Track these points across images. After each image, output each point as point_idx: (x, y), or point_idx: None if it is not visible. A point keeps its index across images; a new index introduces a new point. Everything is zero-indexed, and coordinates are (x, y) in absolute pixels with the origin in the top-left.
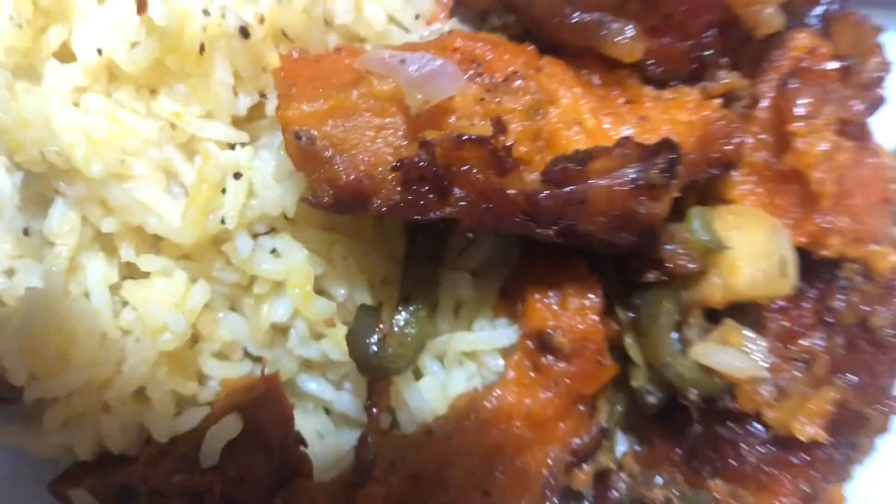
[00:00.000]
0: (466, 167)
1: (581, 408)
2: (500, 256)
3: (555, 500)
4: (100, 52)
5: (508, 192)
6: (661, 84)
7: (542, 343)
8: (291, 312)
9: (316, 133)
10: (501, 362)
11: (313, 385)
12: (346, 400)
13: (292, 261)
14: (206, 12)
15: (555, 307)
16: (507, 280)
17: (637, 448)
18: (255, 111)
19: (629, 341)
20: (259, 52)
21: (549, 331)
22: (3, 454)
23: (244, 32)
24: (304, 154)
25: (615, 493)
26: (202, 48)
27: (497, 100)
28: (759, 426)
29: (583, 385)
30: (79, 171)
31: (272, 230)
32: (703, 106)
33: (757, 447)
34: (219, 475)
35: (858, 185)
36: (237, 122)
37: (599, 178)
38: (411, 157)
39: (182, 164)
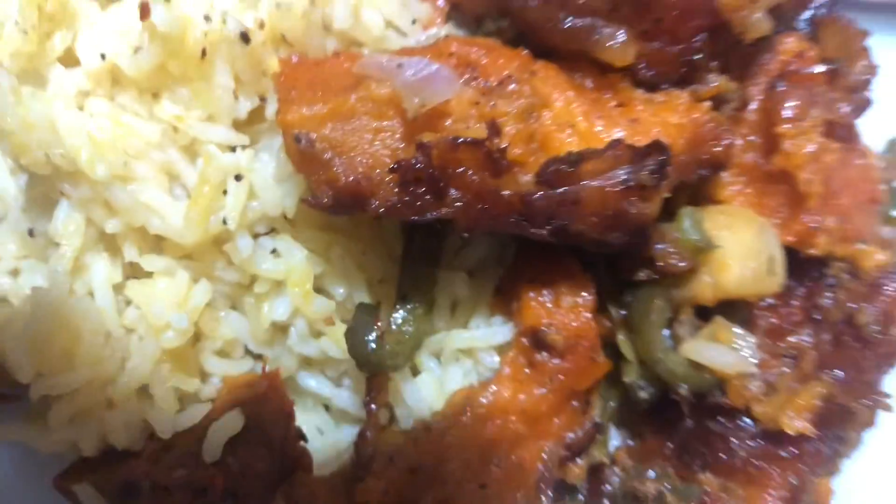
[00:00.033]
0: (462, 169)
1: (575, 403)
2: (496, 256)
3: (549, 493)
4: (103, 56)
5: (503, 193)
6: (652, 87)
7: (537, 340)
8: (291, 311)
9: (315, 136)
10: (497, 359)
11: (313, 382)
12: (345, 396)
13: (292, 260)
14: (207, 18)
15: (549, 305)
16: (502, 279)
17: (630, 442)
18: (256, 114)
19: (621, 338)
20: (259, 57)
21: (543, 328)
22: (9, 450)
23: (244, 38)
24: (304, 156)
25: (608, 487)
26: (204, 53)
27: (492, 103)
28: (748, 421)
29: (576, 381)
30: (83, 174)
31: (272, 231)
32: (692, 108)
33: (746, 441)
34: (221, 470)
35: (845, 186)
36: (238, 125)
37: (591, 180)
38: (408, 160)
39: (184, 167)
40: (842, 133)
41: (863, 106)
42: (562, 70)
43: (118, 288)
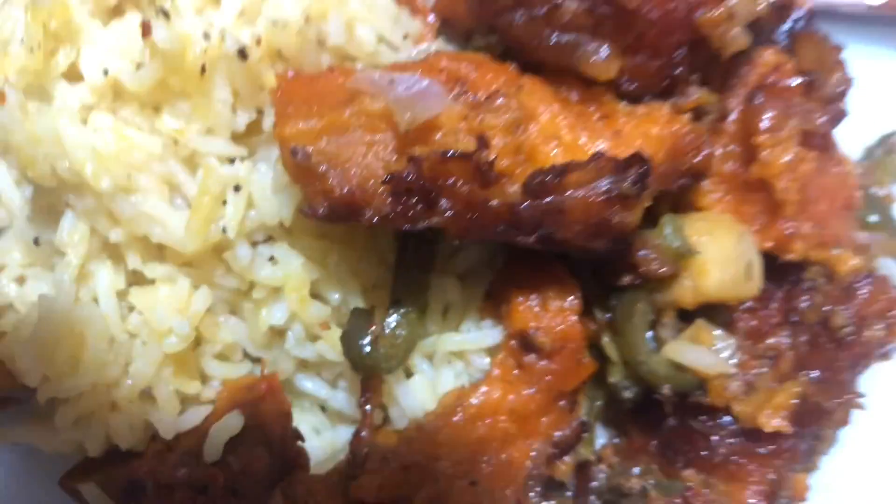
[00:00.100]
0: (452, 180)
1: (562, 403)
2: (486, 262)
3: (538, 489)
4: (106, 72)
5: (491, 203)
6: (635, 99)
7: (525, 343)
8: (289, 316)
9: (311, 149)
10: (487, 361)
11: (310, 384)
12: (340, 398)
13: (289, 267)
14: (206, 36)
15: (536, 309)
16: (492, 284)
17: (615, 440)
18: (253, 127)
19: (606, 340)
20: (256, 72)
21: (531, 331)
22: (17, 451)
23: (242, 54)
24: (300, 169)
25: (595, 483)
26: (203, 69)
27: (480, 117)
28: (728, 419)
29: (563, 382)
30: (88, 185)
31: (270, 239)
32: (673, 120)
33: (727, 439)
34: (222, 469)
35: (822, 193)
36: (236, 138)
37: (576, 190)
38: (401, 172)
39: (185, 178)
40: (818, 142)
41: (839, 116)
42: (548, 84)
43: (122, 295)
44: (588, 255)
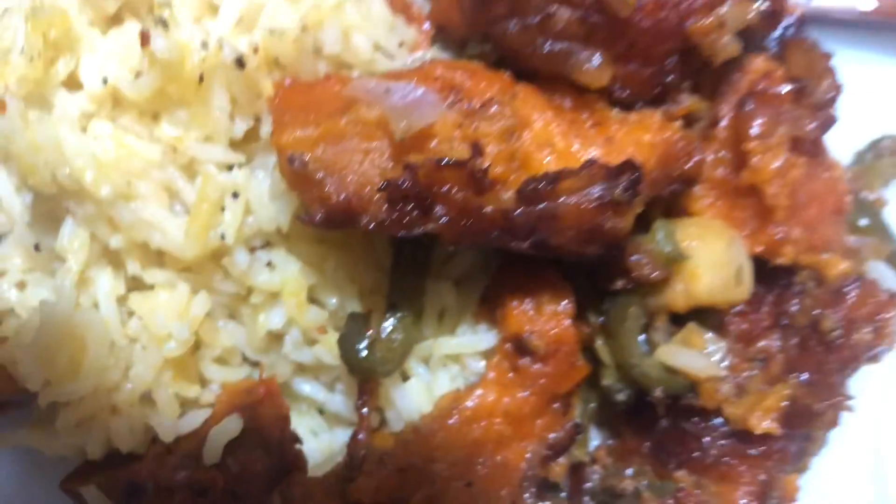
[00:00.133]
0: (447, 187)
1: (556, 405)
2: (480, 267)
3: (533, 490)
4: (105, 80)
5: (486, 209)
6: (627, 106)
7: (520, 346)
8: (286, 320)
9: (308, 157)
10: (482, 364)
11: (307, 387)
12: (338, 401)
13: (287, 273)
14: (204, 45)
15: (531, 313)
16: (486, 288)
17: (609, 442)
18: (251, 134)
19: (600, 343)
20: (254, 80)
21: (525, 335)
22: (18, 454)
23: (240, 63)
24: (297, 176)
25: (589, 484)
26: (201, 78)
27: (475, 125)
28: (719, 421)
29: (557, 384)
30: (88, 193)
31: (268, 244)
32: (665, 127)
33: (718, 440)
34: (221, 471)
35: (812, 198)
36: (234, 145)
37: (568, 197)
38: (396, 179)
39: (183, 185)
40: (808, 148)
41: (828, 122)
42: (541, 91)
43: (122, 300)
44: (581, 260)
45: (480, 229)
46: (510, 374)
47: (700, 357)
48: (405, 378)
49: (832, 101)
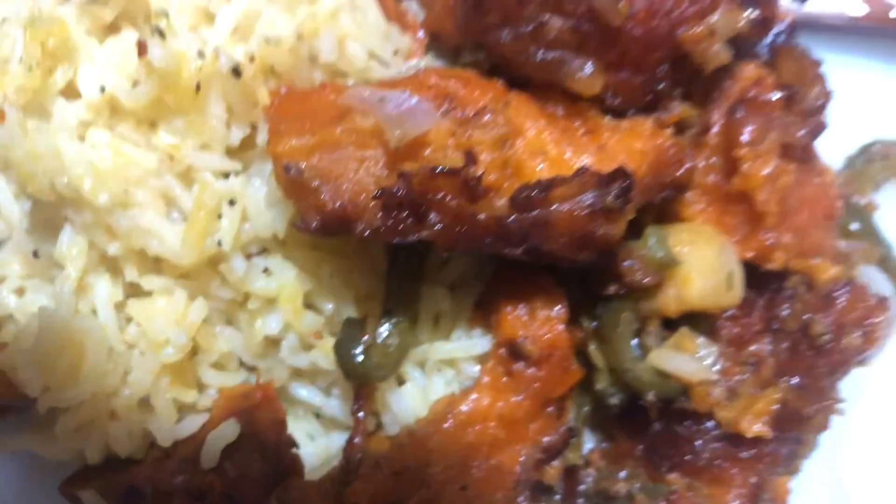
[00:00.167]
0: (441, 195)
1: (550, 409)
2: (475, 273)
3: (527, 493)
4: (103, 89)
5: (479, 216)
6: (619, 114)
7: (514, 351)
8: (283, 326)
9: (304, 165)
10: (477, 369)
11: (304, 392)
12: (334, 405)
13: (283, 279)
14: (201, 54)
15: (524, 318)
16: (481, 294)
17: (603, 445)
18: (247, 142)
19: (593, 348)
20: (250, 89)
21: (519, 339)
22: (17, 458)
23: (236, 72)
24: (293, 184)
25: (583, 486)
26: (198, 87)
27: (468, 133)
28: (711, 424)
29: (551, 388)
30: (86, 201)
31: (264, 251)
32: (656, 135)
33: (710, 443)
34: (219, 475)
35: (802, 204)
36: (230, 153)
37: (561, 204)
38: (391, 187)
39: (180, 192)
40: (798, 154)
41: (818, 129)
42: (534, 99)
43: (120, 306)
44: (574, 265)
45: (474, 236)
46: (504, 379)
47: (692, 361)
48: (401, 382)
49: (822, 107)
